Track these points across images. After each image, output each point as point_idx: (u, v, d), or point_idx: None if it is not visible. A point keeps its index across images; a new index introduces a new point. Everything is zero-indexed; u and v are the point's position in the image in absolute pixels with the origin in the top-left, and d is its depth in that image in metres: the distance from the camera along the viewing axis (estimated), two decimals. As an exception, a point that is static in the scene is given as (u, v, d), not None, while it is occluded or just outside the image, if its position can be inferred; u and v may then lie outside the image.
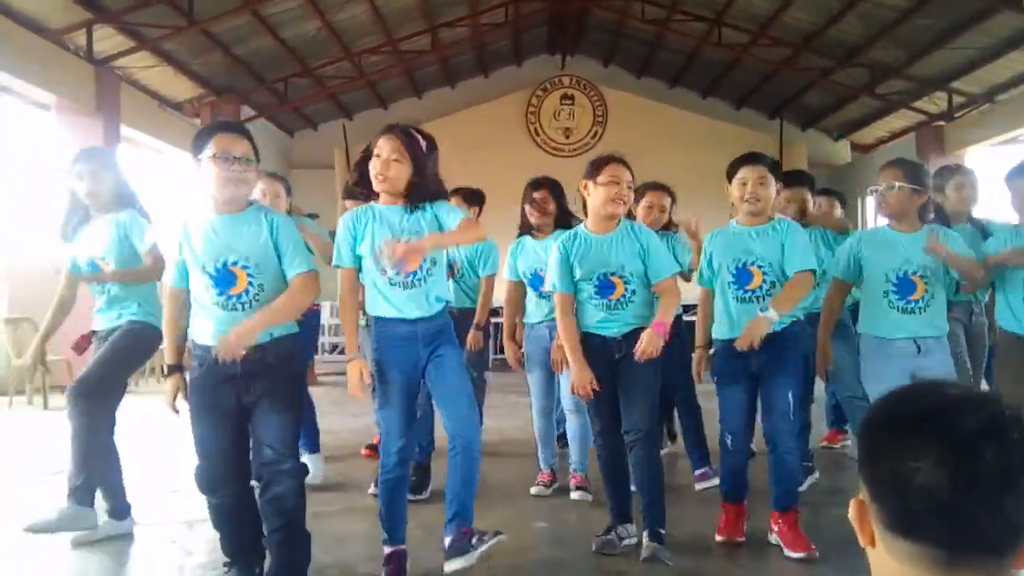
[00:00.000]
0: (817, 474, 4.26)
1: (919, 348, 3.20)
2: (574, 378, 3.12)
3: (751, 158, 3.29)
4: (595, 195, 3.14)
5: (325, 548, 3.11)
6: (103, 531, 3.31)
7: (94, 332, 3.38)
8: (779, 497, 3.23)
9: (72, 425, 3.18)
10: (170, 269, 2.72)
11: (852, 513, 0.90)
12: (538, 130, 13.35)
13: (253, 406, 2.62)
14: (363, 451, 5.02)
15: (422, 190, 2.79)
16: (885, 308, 3.23)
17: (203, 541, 3.28)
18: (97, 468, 3.25)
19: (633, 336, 3.07)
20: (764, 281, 3.20)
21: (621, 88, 13.47)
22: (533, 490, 4.13)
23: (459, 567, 2.67)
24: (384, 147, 2.75)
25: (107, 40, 8.64)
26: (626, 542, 3.22)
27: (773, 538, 3.26)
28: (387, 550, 2.88)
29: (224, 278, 2.58)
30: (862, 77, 11.20)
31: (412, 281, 2.77)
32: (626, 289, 3.14)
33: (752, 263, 3.21)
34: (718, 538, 3.30)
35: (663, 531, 3.14)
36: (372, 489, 3.72)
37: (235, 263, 2.58)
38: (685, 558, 3.12)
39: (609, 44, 13.30)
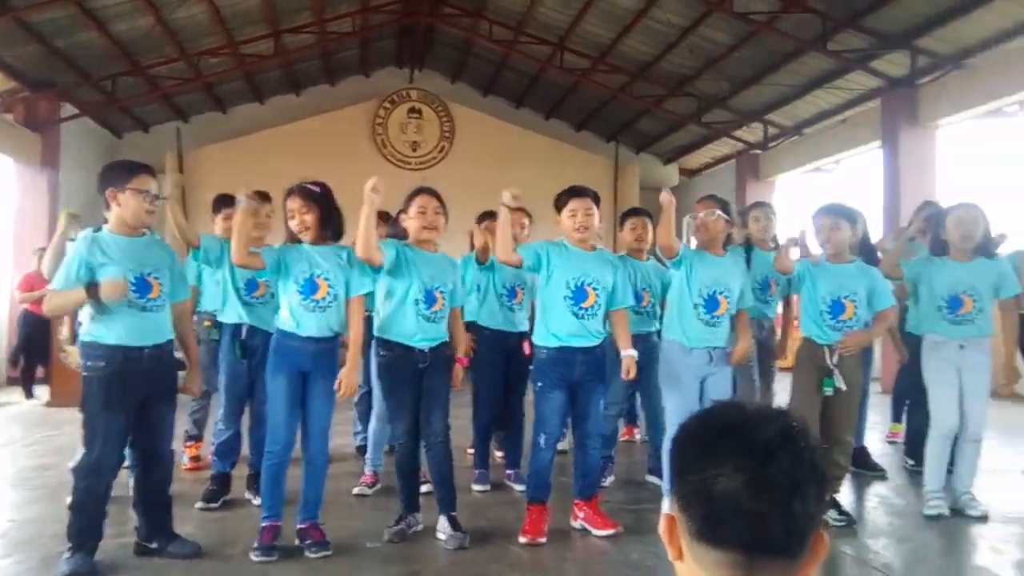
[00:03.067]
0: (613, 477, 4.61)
1: (711, 357, 3.67)
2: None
3: (579, 191, 3.62)
4: (410, 225, 3.52)
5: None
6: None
7: None
8: (584, 488, 3.62)
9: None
10: (71, 273, 3.02)
11: (662, 528, 0.97)
12: (385, 142, 13.29)
13: (148, 401, 3.09)
14: (183, 467, 4.83)
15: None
16: (693, 320, 3.68)
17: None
18: None
19: (436, 351, 3.44)
20: (597, 301, 3.53)
21: (468, 105, 13.69)
22: (355, 490, 4.25)
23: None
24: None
25: (-99, 22, 7.77)
26: (414, 529, 3.49)
27: (578, 524, 3.61)
28: (265, 524, 3.26)
29: (144, 286, 3.06)
30: (690, 106, 12.05)
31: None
32: (443, 304, 3.45)
33: (588, 284, 3.52)
34: (522, 540, 3.43)
35: (455, 515, 3.48)
36: (199, 504, 3.94)
37: (150, 274, 3.09)
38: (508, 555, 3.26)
39: (457, 61, 13.48)
